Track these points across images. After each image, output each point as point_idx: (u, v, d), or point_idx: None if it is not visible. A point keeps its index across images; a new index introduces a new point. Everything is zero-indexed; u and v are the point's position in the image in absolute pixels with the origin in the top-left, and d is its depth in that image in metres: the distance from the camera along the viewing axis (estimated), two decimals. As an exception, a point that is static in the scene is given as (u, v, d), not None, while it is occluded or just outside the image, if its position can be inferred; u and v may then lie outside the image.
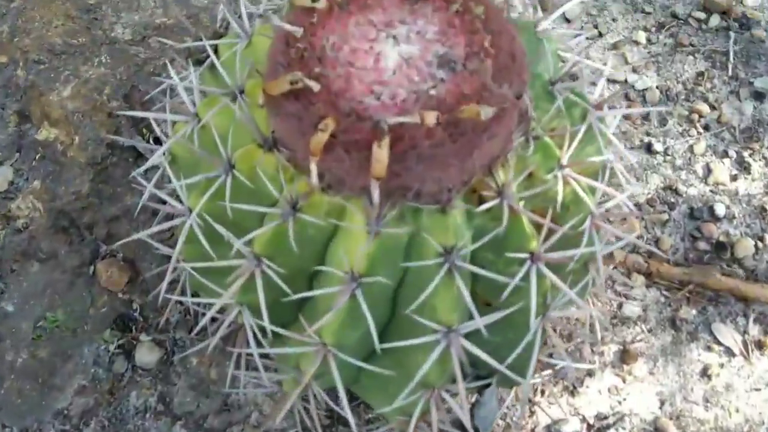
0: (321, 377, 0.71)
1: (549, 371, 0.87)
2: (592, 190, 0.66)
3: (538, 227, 0.61)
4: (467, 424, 0.66)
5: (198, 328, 0.78)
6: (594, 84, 0.69)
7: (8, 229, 0.99)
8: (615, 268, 1.03)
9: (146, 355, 0.99)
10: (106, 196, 0.99)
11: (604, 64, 1.18)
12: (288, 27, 0.54)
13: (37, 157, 1.00)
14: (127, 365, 0.99)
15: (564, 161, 0.61)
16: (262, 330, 0.68)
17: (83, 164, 0.96)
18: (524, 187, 0.60)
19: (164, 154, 0.73)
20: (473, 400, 0.87)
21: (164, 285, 0.71)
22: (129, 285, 1.01)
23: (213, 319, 0.83)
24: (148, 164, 0.77)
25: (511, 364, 0.67)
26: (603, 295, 1.01)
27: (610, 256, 0.97)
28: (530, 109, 0.58)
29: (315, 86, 0.52)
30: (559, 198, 0.60)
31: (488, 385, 0.77)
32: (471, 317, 0.61)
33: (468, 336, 0.63)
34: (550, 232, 0.61)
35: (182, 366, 0.99)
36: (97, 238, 1.01)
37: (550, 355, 0.79)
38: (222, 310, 0.79)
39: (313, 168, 0.52)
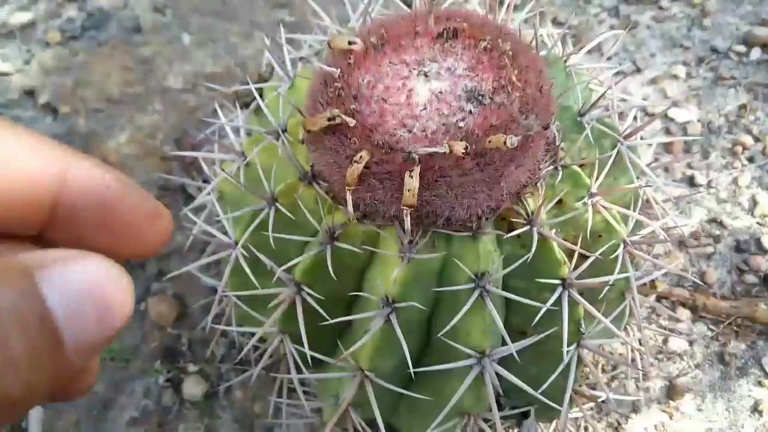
0: (360, 406, 0.72)
1: (591, 405, 0.86)
2: (625, 219, 0.67)
3: (570, 256, 0.62)
4: (505, 453, 0.66)
5: (241, 355, 0.81)
6: (622, 114, 0.71)
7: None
8: (660, 301, 1.01)
9: (193, 387, 1.02)
10: (158, 234, 1.04)
11: (644, 98, 1.18)
12: (326, 68, 0.58)
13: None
14: (176, 398, 1.02)
15: (593, 189, 0.62)
16: (303, 359, 0.70)
17: (138, 204, 1.02)
18: (554, 215, 0.61)
19: (212, 191, 0.78)
20: (514, 433, 0.87)
21: (211, 315, 0.74)
22: (177, 320, 1.05)
23: (256, 351, 0.86)
24: (198, 201, 0.81)
25: (548, 393, 0.67)
26: (646, 328, 0.99)
27: (651, 288, 0.96)
28: (558, 139, 0.59)
29: (351, 121, 0.55)
30: (589, 225, 0.61)
31: (526, 417, 0.77)
32: (505, 344, 0.62)
33: (504, 365, 0.64)
34: (582, 260, 0.62)
35: (227, 399, 1.02)
36: (149, 276, 1.06)
37: (593, 388, 0.78)
38: (264, 341, 0.81)
39: (349, 198, 0.54)
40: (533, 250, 0.57)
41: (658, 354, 1.01)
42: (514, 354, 0.61)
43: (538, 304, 0.58)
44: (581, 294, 0.62)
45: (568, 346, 0.64)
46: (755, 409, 0.96)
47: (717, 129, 1.19)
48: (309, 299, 0.63)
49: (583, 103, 0.67)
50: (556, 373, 0.65)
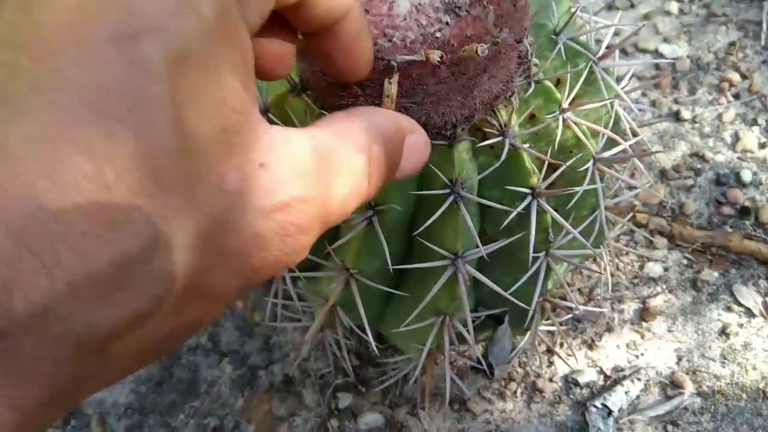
0: (348, 309, 0.78)
1: (566, 318, 0.92)
2: (596, 137, 0.71)
3: (540, 168, 0.66)
4: (474, 349, 0.73)
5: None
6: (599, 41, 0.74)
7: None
8: (636, 230, 1.06)
9: (195, 299, 1.09)
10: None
11: (636, 33, 1.20)
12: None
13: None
14: (179, 309, 1.09)
15: (565, 105, 0.66)
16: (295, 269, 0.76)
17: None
18: (526, 127, 0.66)
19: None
20: (485, 342, 0.93)
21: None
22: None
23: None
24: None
25: (520, 299, 0.73)
26: (623, 251, 1.05)
27: (630, 216, 1.00)
28: (530, 54, 0.63)
29: (335, 32, 0.59)
30: (557, 139, 0.65)
31: (501, 323, 0.83)
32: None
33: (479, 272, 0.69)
34: (553, 172, 0.67)
35: (228, 309, 1.08)
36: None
37: (564, 299, 0.84)
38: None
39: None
40: (503, 158, 0.62)
41: (634, 279, 1.06)
42: (485, 256, 0.66)
43: (509, 208, 0.63)
44: (551, 205, 0.66)
45: (535, 252, 0.69)
46: (723, 332, 1.02)
47: (705, 65, 1.21)
48: (298, 203, 0.68)
49: (560, 23, 0.70)
50: (525, 278, 0.70)
